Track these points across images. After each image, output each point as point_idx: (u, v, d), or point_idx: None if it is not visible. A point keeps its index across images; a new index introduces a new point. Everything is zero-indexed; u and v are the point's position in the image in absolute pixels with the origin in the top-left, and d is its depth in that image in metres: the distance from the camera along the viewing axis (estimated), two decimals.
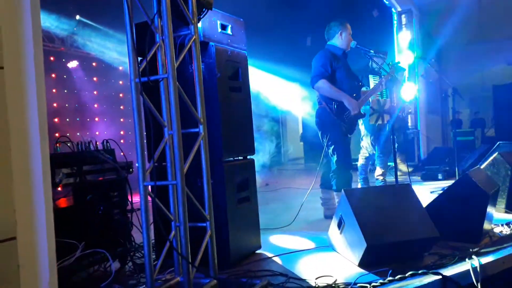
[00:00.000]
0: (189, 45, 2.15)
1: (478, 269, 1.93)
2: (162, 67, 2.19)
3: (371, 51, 3.60)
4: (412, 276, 1.93)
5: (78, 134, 6.21)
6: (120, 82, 7.84)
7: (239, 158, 2.74)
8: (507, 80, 13.13)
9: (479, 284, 1.84)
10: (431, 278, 1.90)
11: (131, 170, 2.78)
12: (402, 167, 6.50)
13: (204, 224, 2.17)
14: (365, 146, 4.81)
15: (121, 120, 7.84)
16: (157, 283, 2.13)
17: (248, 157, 2.81)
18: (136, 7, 2.10)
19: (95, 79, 7.42)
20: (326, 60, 3.57)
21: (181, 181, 1.96)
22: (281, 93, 9.68)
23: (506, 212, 3.39)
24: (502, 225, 2.99)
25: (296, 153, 10.75)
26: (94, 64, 7.41)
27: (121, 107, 7.95)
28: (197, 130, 2.20)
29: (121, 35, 7.13)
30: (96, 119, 7.31)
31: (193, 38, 2.16)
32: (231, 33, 2.74)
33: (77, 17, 6.66)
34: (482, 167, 3.62)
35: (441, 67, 13.08)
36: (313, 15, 8.99)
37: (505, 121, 8.09)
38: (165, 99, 2.19)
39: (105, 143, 2.76)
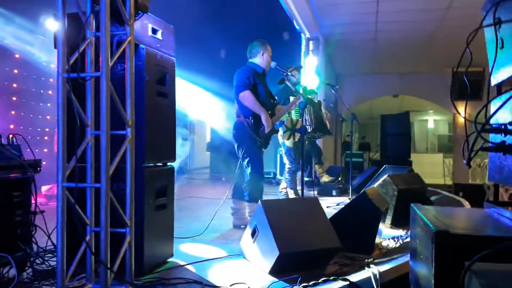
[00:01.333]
0: (123, 46, 2.11)
1: (378, 276, 2.21)
2: (91, 64, 2.12)
3: (288, 72, 3.85)
4: (324, 282, 2.12)
5: None
6: (15, 71, 7.11)
7: (160, 164, 2.72)
8: (391, 110, 14.85)
9: None
10: (340, 284, 2.12)
11: (39, 168, 2.58)
12: (326, 177, 7.02)
13: (124, 230, 2.12)
14: (288, 161, 5.16)
15: (12, 112, 7.10)
16: None
17: (168, 164, 2.80)
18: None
19: None
20: (249, 74, 3.75)
21: (105, 184, 1.91)
22: (191, 100, 9.67)
23: (391, 227, 3.85)
24: (389, 239, 3.39)
25: (202, 162, 10.77)
26: None
27: (14, 98, 7.20)
28: (123, 132, 2.16)
29: (22, 20, 6.53)
30: None
31: (128, 40, 2.13)
32: (161, 38, 2.73)
33: None
34: (375, 186, 4.07)
35: (337, 93, 14.32)
36: (228, 30, 9.24)
37: (389, 147, 9.17)
38: (91, 97, 2.12)
39: (10, 138, 2.53)
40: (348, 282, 2.08)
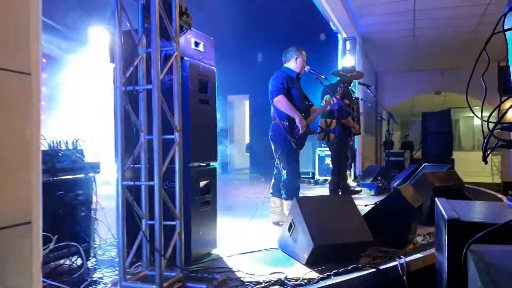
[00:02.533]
0: (171, 60, 2.38)
1: (404, 265, 2.36)
2: (143, 77, 2.41)
3: (322, 76, 4.02)
4: (353, 269, 2.30)
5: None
6: (66, 80, 7.73)
7: (203, 164, 2.99)
8: (433, 106, 14.49)
9: (404, 276, 2.26)
10: (368, 271, 2.29)
11: (98, 170, 2.92)
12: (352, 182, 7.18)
13: (174, 222, 2.40)
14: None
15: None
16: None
17: (211, 164, 3.07)
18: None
19: (43, 75, 7.26)
20: (283, 79, 3.96)
21: (159, 182, 2.18)
22: (229, 103, 10.01)
23: (427, 224, 3.91)
24: (424, 235, 3.49)
25: (242, 163, 11.08)
26: (44, 60, 7.26)
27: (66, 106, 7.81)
28: (172, 136, 2.43)
29: (68, 31, 7.07)
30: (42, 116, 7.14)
31: (175, 55, 2.40)
32: (202, 50, 3.01)
33: None
34: (410, 184, 4.16)
35: (377, 91, 14.24)
36: (265, 33, 9.51)
37: (430, 145, 9.06)
38: (144, 106, 2.41)
39: (74, 143, 2.89)
40: (375, 269, 2.25)
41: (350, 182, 7.08)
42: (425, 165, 6.26)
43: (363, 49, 10.35)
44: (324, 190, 7.20)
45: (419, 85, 14.12)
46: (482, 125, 1.78)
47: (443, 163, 6.94)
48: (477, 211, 1.76)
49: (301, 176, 8.67)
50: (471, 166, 15.11)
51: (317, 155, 8.40)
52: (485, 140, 1.66)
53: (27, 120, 1.43)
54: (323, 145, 8.03)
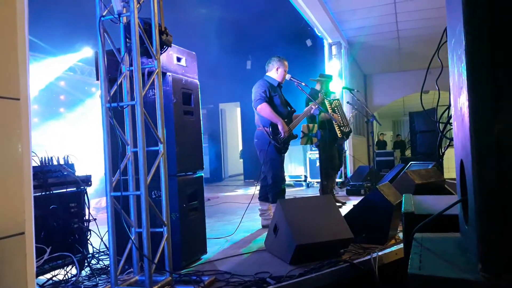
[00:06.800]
0: (152, 77, 2.54)
1: (376, 259, 2.51)
2: (127, 94, 2.56)
3: (302, 83, 4.19)
4: (329, 265, 2.45)
5: None
6: (61, 97, 7.88)
7: (190, 173, 3.13)
8: (424, 105, 14.67)
9: (376, 268, 2.41)
10: (343, 265, 2.44)
11: (90, 183, 3.06)
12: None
13: (161, 229, 2.54)
14: None
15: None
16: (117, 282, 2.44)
17: (198, 172, 3.21)
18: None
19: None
20: (265, 88, 4.13)
21: (145, 192, 2.33)
22: (221, 111, 10.15)
23: None
24: None
25: (236, 170, 11.21)
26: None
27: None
28: (156, 148, 2.58)
29: (59, 50, 7.23)
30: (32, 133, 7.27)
31: (157, 71, 2.55)
32: (185, 65, 3.16)
33: None
34: (393, 182, 4.31)
35: (367, 92, 14.48)
36: (253, 42, 9.70)
37: (418, 143, 9.26)
38: (129, 121, 2.56)
39: (66, 158, 3.03)
40: (349, 264, 2.39)
41: (338, 188, 7.21)
42: (411, 163, 6.41)
43: (349, 53, 10.56)
44: (316, 193, 7.36)
45: (409, 85, 14.33)
46: (437, 127, 1.94)
47: (432, 161, 7.11)
48: (435, 205, 1.90)
49: (294, 179, 8.85)
50: None
51: (308, 159, 8.56)
52: (439, 140, 1.82)
53: (17, 139, 1.58)
54: (313, 149, 8.20)
